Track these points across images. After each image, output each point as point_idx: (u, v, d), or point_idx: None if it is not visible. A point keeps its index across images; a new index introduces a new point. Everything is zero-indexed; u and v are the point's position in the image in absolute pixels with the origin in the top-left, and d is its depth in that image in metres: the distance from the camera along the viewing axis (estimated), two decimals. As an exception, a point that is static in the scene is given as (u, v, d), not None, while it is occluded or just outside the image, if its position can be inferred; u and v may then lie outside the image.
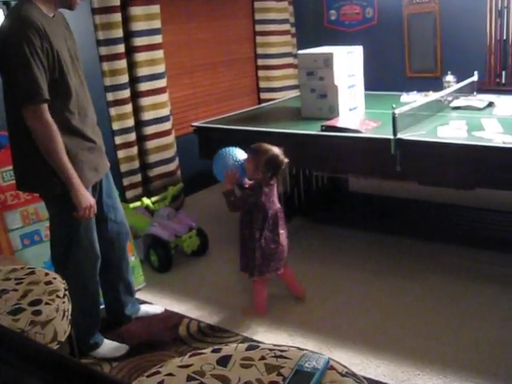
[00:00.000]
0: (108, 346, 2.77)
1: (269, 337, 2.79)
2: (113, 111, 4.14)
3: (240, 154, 2.89)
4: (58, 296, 1.97)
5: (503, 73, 4.83)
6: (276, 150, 2.85)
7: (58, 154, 2.32)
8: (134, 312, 3.04)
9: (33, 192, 2.71)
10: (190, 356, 1.34)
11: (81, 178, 2.41)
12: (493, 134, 2.91)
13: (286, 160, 2.85)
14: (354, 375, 1.23)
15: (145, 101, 4.29)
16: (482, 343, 2.61)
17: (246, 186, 2.94)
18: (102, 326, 2.85)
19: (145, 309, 3.10)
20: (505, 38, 4.74)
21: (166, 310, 3.12)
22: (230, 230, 4.13)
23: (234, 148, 2.91)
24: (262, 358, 1.29)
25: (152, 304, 3.20)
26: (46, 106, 2.27)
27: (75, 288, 2.32)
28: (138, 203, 3.79)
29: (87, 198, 2.44)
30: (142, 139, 4.37)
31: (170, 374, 1.28)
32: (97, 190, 2.62)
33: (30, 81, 2.21)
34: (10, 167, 2.66)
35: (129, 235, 2.98)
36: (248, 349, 1.34)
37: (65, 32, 2.46)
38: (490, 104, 3.62)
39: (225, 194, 2.88)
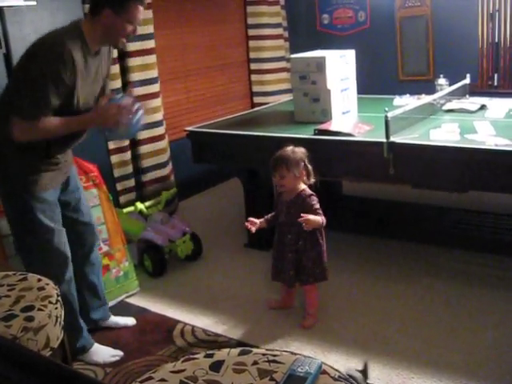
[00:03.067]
0: (102, 352, 2.76)
1: (263, 341, 2.79)
2: (106, 116, 4.13)
3: None
4: (50, 302, 1.96)
5: (495, 75, 4.86)
6: (291, 148, 2.81)
7: (64, 131, 2.37)
8: (102, 318, 2.97)
9: None
10: (183, 361, 1.34)
11: (37, 182, 2.41)
12: (485, 137, 2.92)
13: (303, 149, 2.83)
14: (346, 379, 1.23)
15: (138, 106, 4.28)
16: (476, 346, 2.61)
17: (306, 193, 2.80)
18: (94, 333, 2.85)
19: (115, 319, 3.03)
20: (497, 40, 4.77)
21: (159, 315, 3.11)
22: (224, 235, 4.14)
23: None
24: (255, 362, 1.29)
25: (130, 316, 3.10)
26: (37, 120, 2.28)
27: None
28: (131, 208, 3.79)
29: (104, 112, 2.43)
30: (135, 144, 4.36)
31: (162, 380, 1.28)
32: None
33: (34, 99, 2.25)
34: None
35: (95, 238, 2.87)
36: (241, 354, 1.34)
37: (101, 64, 2.50)
38: (483, 107, 3.63)
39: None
